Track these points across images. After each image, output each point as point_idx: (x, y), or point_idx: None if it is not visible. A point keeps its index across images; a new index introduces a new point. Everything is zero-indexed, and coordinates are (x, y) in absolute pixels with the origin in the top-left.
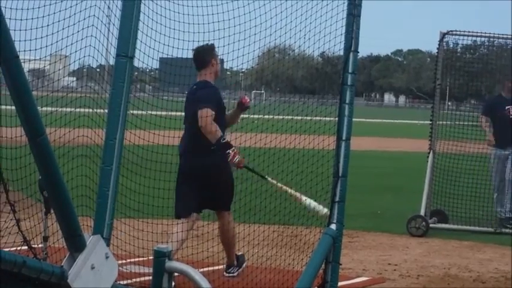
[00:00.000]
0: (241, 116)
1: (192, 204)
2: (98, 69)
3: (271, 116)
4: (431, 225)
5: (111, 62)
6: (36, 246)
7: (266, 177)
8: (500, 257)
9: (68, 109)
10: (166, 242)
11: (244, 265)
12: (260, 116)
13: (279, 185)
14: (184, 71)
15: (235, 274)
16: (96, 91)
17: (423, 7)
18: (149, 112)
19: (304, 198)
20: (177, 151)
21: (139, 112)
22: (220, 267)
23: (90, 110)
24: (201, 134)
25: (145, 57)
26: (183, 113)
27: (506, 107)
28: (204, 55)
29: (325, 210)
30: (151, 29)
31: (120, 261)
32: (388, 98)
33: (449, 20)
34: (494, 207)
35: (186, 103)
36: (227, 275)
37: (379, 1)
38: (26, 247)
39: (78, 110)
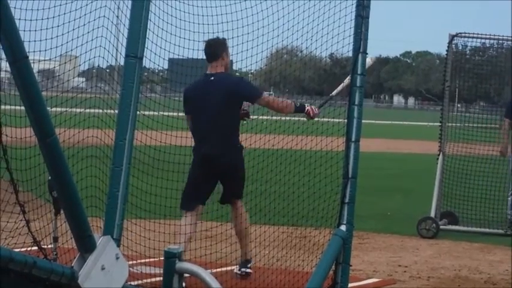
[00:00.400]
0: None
1: (197, 199)
2: (107, 70)
3: (279, 117)
4: (441, 226)
5: (121, 62)
6: (46, 246)
7: (332, 94)
8: (511, 258)
9: (78, 110)
10: (178, 242)
11: (252, 262)
12: (268, 117)
13: (344, 83)
14: (195, 72)
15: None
16: (106, 92)
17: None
18: (160, 112)
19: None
20: (188, 151)
21: (150, 112)
22: (233, 267)
23: (100, 111)
24: (219, 123)
25: (156, 58)
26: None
27: None
28: (216, 48)
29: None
30: (161, 29)
31: (130, 262)
32: (397, 99)
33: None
34: (507, 209)
35: (205, 91)
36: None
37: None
38: (36, 248)
39: (87, 110)
